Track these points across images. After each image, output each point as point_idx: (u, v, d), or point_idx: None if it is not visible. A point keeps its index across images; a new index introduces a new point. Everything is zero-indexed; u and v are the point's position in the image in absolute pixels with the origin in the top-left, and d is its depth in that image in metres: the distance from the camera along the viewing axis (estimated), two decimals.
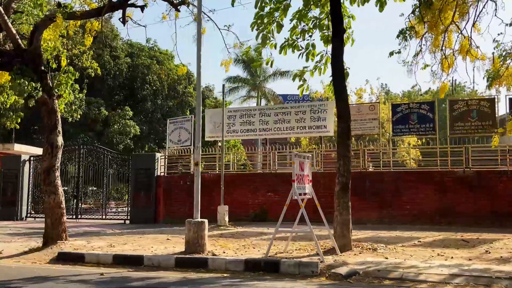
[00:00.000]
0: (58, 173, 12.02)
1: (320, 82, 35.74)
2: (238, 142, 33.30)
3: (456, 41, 13.55)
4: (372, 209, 17.11)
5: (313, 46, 12.24)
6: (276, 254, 9.97)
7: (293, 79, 12.55)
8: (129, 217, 20.76)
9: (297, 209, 9.78)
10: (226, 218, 16.44)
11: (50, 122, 11.85)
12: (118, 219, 21.41)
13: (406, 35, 14.13)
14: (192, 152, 20.61)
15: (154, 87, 39.95)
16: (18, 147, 25.78)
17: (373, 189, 17.26)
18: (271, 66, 12.68)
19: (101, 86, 36.22)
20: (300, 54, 12.16)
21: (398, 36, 14.30)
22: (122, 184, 23.74)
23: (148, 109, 39.73)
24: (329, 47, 12.27)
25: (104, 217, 21.61)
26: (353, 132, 17.97)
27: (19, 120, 21.75)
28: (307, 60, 12.17)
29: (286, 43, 12.24)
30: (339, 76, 10.94)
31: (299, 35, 12.17)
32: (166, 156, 21.43)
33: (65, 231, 11.98)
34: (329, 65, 12.41)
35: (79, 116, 25.58)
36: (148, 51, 41.59)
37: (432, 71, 14.14)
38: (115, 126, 35.84)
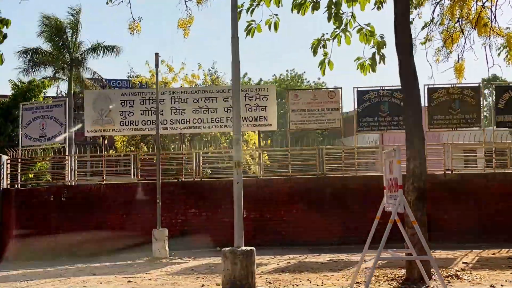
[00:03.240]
0: None
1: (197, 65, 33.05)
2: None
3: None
4: (333, 227, 17.06)
5: (338, 4, 11.61)
6: None
7: (314, 53, 11.75)
8: None
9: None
10: (167, 248, 14.63)
11: None
12: None
13: None
14: (63, 153, 18.11)
15: None
16: None
17: (335, 200, 17.21)
18: (276, 30, 11.66)
19: None
20: (330, 17, 11.42)
21: None
22: None
23: None
24: (355, 8, 11.81)
25: None
26: (307, 125, 18.03)
27: None
28: (335, 22, 11.52)
29: None
30: (406, 44, 10.56)
31: None
32: (20, 160, 18.31)
33: None
34: (352, 31, 11.97)
35: None
36: None
37: (444, 47, 14.70)
38: None
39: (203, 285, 10.31)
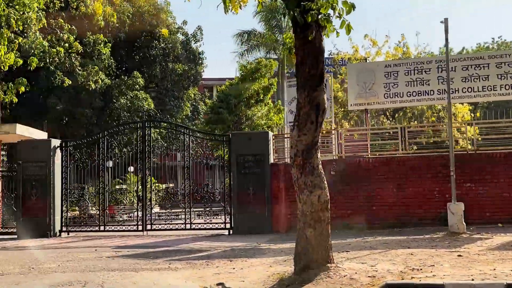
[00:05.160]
0: (319, 155, 9.33)
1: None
2: None
3: None
4: None
5: None
6: None
7: None
8: (230, 225, 18.11)
9: None
10: (463, 222, 14.06)
11: (315, 69, 9.08)
12: (209, 228, 18.59)
13: None
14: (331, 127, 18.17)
15: (163, 44, 36.56)
16: (21, 130, 22.20)
17: None
18: None
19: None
20: None
21: None
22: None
23: (157, 76, 36.38)
24: None
25: (188, 226, 18.70)
26: None
27: (22, 90, 18.91)
28: None
29: None
30: None
31: None
32: (286, 136, 18.79)
33: (331, 248, 9.35)
34: None
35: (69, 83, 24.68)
36: None
37: None
38: (122, 100, 32.44)
39: None
